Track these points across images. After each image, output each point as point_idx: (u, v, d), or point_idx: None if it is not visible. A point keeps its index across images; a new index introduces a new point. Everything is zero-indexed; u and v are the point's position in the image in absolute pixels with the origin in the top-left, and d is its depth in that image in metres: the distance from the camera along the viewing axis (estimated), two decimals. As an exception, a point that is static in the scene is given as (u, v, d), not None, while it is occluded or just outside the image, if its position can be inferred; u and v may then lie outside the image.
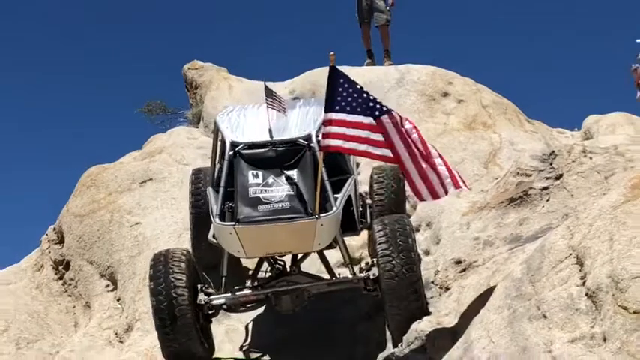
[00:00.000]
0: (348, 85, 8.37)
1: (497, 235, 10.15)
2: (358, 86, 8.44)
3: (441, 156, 8.41)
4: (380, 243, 8.81)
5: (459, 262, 9.96)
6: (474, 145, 12.38)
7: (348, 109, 8.33)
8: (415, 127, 8.31)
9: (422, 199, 8.45)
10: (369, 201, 10.65)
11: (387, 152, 8.31)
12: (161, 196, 12.35)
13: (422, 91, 13.30)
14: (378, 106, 8.23)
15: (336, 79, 8.35)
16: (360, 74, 13.13)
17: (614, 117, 13.21)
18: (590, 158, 10.76)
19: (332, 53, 8.37)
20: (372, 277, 8.94)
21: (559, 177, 10.65)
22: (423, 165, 8.26)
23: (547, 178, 10.76)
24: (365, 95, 8.31)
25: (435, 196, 8.36)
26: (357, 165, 11.47)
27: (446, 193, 8.37)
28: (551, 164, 11.08)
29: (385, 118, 8.23)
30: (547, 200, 10.40)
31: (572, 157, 10.88)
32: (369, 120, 8.21)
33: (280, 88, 12.95)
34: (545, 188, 10.58)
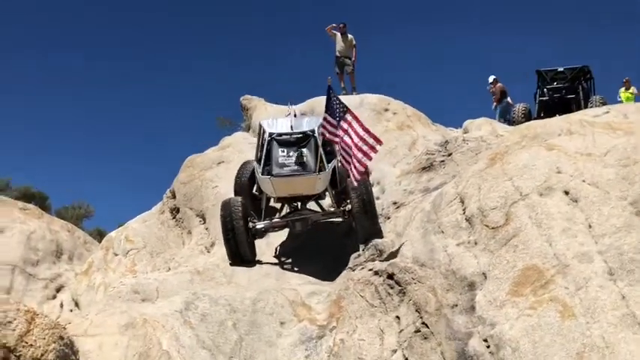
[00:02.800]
0: (335, 98, 9.54)
1: (416, 187, 11.19)
2: (339, 100, 9.52)
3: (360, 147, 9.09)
4: (352, 189, 9.84)
5: (395, 203, 10.89)
6: (402, 138, 13.09)
7: (331, 113, 9.49)
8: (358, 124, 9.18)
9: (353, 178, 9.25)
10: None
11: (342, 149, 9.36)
12: (229, 171, 12.86)
13: (373, 108, 13.95)
14: (341, 113, 9.40)
15: (330, 94, 9.66)
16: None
17: (480, 121, 14.09)
18: (467, 143, 11.89)
19: (329, 78, 10.30)
20: (347, 209, 10.07)
21: (450, 154, 11.78)
22: (353, 152, 9.12)
23: (443, 155, 11.88)
24: (340, 104, 9.45)
25: (355, 178, 9.20)
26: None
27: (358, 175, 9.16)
28: (445, 147, 12.08)
29: (341, 122, 9.33)
30: (443, 168, 11.53)
31: (457, 143, 12.02)
32: (336, 122, 9.45)
33: (295, 108, 12.59)
34: (442, 161, 11.71)
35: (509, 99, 19.30)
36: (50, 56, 60.16)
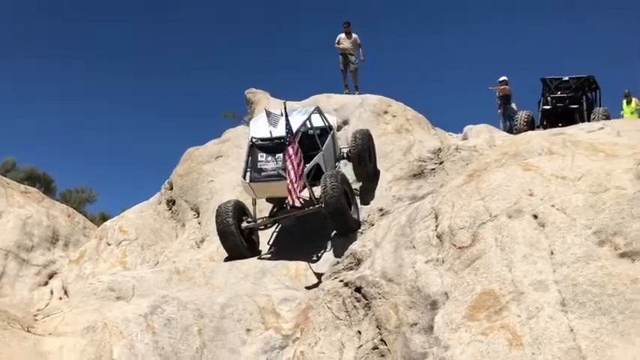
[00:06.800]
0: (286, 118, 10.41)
1: (405, 194, 11.47)
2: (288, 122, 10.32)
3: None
4: (321, 185, 10.54)
5: (380, 210, 11.21)
6: (399, 142, 13.15)
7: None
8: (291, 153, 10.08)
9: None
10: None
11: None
12: (226, 166, 13.46)
13: (373, 110, 14.05)
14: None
15: (287, 113, 10.46)
16: (340, 99, 14.85)
17: (480, 127, 14.30)
18: (460, 152, 12.22)
19: (283, 102, 10.89)
20: (323, 205, 10.50)
21: (441, 162, 12.10)
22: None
23: (435, 163, 12.22)
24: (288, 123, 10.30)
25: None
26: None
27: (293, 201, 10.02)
28: (438, 155, 12.43)
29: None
30: (433, 176, 11.84)
31: (450, 152, 12.36)
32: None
33: (297, 104, 13.92)
34: (433, 169, 12.04)
35: (513, 105, 18.99)
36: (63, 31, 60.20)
